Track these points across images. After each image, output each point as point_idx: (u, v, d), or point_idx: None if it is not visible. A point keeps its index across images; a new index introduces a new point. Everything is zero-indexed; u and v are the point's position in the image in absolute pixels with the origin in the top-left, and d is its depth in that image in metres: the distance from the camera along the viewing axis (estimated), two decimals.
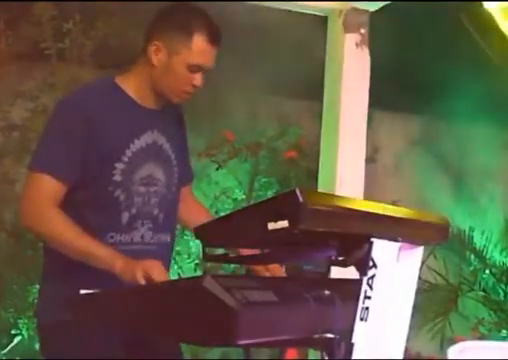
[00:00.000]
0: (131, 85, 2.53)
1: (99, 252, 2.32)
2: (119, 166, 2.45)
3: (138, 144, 2.49)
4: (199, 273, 4.98)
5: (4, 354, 4.61)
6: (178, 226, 2.88)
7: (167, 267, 2.56)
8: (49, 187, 2.40)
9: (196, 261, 5.04)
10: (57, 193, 2.40)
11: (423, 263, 2.19)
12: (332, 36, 3.93)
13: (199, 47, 2.44)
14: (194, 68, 2.46)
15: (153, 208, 2.52)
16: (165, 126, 2.58)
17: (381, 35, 3.96)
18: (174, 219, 2.64)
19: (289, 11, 3.91)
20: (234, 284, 1.81)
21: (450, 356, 3.14)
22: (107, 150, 2.43)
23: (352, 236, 1.90)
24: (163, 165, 2.56)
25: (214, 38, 2.47)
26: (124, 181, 2.45)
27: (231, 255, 2.17)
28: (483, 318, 5.54)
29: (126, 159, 2.46)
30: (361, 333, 1.90)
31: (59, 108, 2.52)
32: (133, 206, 2.47)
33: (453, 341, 4.16)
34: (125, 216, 2.47)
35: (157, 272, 2.18)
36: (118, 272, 2.25)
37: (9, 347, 4.63)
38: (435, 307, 5.44)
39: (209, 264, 4.73)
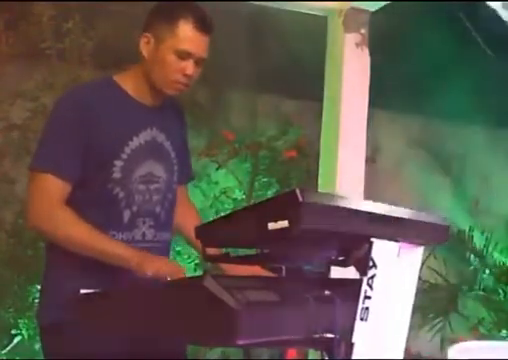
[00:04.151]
0: (129, 83, 2.53)
1: (115, 249, 2.34)
2: (118, 163, 2.44)
3: (137, 141, 2.49)
4: (199, 273, 4.98)
5: (4, 354, 4.61)
6: None
7: None
8: (55, 187, 2.40)
9: (196, 261, 5.04)
10: (63, 192, 2.41)
11: (423, 263, 2.19)
12: (332, 36, 3.94)
13: (185, 33, 2.42)
14: (182, 54, 2.43)
15: (155, 206, 2.52)
16: (164, 123, 2.58)
17: (381, 35, 3.97)
18: (173, 217, 2.64)
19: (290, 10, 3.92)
20: (234, 284, 1.81)
21: (450, 356, 3.14)
22: (106, 147, 2.43)
23: (352, 236, 1.90)
24: (163, 162, 2.55)
25: (202, 25, 2.44)
26: (123, 178, 2.45)
27: (231, 255, 2.17)
28: (483, 318, 5.55)
29: (125, 156, 2.46)
30: (361, 333, 1.90)
31: (57, 106, 2.51)
32: (134, 204, 2.47)
33: (453, 341, 4.16)
34: (127, 214, 2.46)
35: (171, 272, 2.20)
36: (134, 268, 2.27)
37: (9, 347, 4.63)
38: (435, 307, 5.44)
39: (209, 264, 4.74)
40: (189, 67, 2.45)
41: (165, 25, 2.44)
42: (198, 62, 2.47)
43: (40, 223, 2.43)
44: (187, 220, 2.68)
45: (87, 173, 2.43)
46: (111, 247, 2.35)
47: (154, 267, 2.22)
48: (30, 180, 2.46)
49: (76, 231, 2.37)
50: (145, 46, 2.48)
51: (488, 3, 4.35)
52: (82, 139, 2.42)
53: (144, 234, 2.50)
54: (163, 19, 2.46)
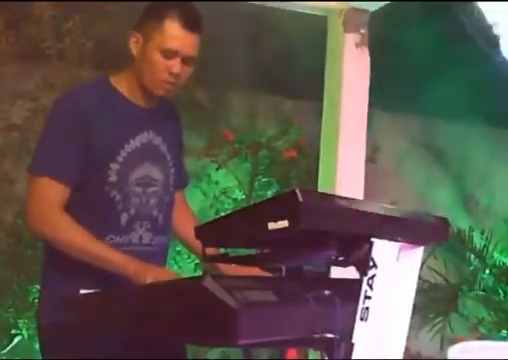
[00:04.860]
0: (124, 84, 2.52)
1: (112, 257, 2.32)
2: (114, 166, 2.43)
3: (133, 144, 2.48)
4: (199, 273, 4.98)
5: (4, 354, 4.61)
6: None
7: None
8: (54, 191, 2.39)
9: (196, 261, 5.04)
10: (62, 196, 2.40)
11: (423, 263, 2.19)
12: (332, 36, 3.93)
13: (172, 31, 2.40)
14: (168, 53, 2.40)
15: (152, 209, 2.51)
16: (161, 126, 2.56)
17: (381, 35, 3.97)
18: (170, 220, 2.63)
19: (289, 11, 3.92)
20: (234, 284, 1.81)
21: (450, 356, 3.13)
22: (102, 150, 2.42)
23: (352, 236, 1.90)
24: (160, 165, 2.54)
25: (189, 23, 2.41)
26: (119, 181, 2.44)
27: (231, 255, 2.17)
28: (483, 318, 5.55)
29: (121, 159, 2.45)
30: (361, 333, 1.90)
31: (55, 109, 2.50)
32: (131, 207, 2.46)
33: (453, 341, 4.16)
34: (124, 217, 2.45)
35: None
36: (131, 275, 2.25)
37: (9, 347, 4.63)
38: (435, 307, 5.44)
39: (209, 264, 4.73)
40: (176, 66, 2.42)
41: (153, 23, 2.43)
42: (186, 61, 2.44)
43: (39, 227, 2.42)
44: (185, 224, 2.67)
45: (84, 176, 2.42)
46: (108, 254, 2.33)
47: (151, 276, 2.20)
48: (29, 183, 2.45)
49: (74, 236, 2.36)
50: (134, 45, 2.47)
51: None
52: (80, 142, 2.41)
53: (141, 237, 2.49)
54: (151, 18, 2.45)
